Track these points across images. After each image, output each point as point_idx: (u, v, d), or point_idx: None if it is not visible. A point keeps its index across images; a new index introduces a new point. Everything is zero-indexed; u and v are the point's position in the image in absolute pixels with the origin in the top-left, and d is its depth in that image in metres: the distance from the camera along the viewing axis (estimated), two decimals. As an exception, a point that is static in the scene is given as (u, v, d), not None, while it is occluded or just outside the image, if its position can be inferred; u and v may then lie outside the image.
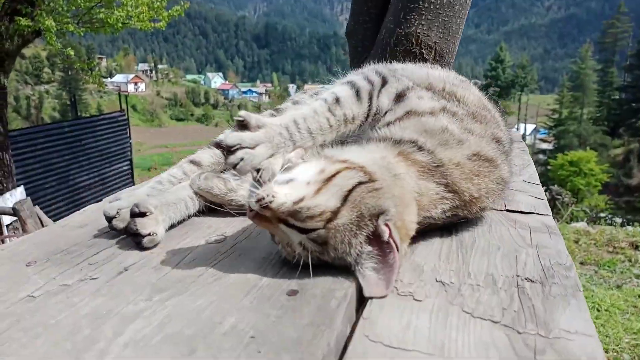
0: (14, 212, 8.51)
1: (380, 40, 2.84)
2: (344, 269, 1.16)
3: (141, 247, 1.35)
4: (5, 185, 11.73)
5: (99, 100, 79.26)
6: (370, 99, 1.34)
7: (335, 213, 1.10)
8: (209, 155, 1.75)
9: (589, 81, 60.72)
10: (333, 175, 1.13)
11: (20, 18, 10.32)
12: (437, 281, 1.12)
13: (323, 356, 0.87)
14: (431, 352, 0.87)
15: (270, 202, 1.11)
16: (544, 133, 64.23)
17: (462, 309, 1.00)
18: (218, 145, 1.77)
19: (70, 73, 71.95)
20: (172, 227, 1.51)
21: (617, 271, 7.63)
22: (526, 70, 71.82)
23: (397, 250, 1.09)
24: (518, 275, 1.14)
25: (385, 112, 1.35)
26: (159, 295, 1.09)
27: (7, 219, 10.49)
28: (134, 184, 20.18)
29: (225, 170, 1.63)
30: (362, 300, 1.09)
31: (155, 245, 1.37)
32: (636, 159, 46.53)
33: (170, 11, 12.40)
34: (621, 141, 53.09)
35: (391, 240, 1.10)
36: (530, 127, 64.93)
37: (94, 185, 17.43)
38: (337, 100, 1.29)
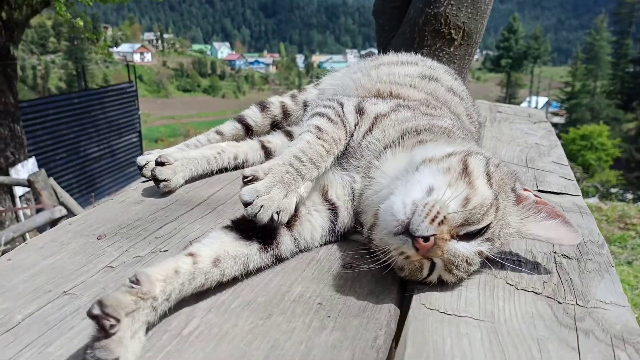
0: (29, 183, 8.68)
1: (408, 19, 2.89)
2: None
3: (160, 190, 1.66)
4: (17, 156, 11.83)
5: (105, 70, 78.94)
6: (341, 119, 1.44)
7: (496, 198, 1.13)
8: (231, 127, 2.06)
9: (603, 53, 59.64)
10: (465, 167, 1.15)
11: (30, -13, 10.24)
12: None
13: (387, 321, 0.98)
14: (482, 318, 0.98)
15: (446, 212, 1.05)
16: (556, 106, 63.56)
17: (507, 282, 1.11)
18: (240, 119, 2.07)
19: (76, 43, 71.56)
20: (194, 179, 1.77)
21: (627, 247, 7.72)
22: (539, 42, 70.67)
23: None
24: (555, 252, 1.24)
25: (355, 128, 1.45)
26: (228, 267, 1.20)
27: (19, 190, 10.66)
28: (142, 156, 20.34)
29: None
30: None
31: (170, 191, 1.67)
32: (649, 133, 46.09)
33: None
34: (634, 115, 52.45)
35: (538, 199, 1.20)
36: (542, 101, 64.22)
37: (103, 156, 17.55)
38: (319, 128, 1.36)
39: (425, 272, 1.08)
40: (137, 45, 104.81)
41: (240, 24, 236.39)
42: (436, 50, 2.77)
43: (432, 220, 1.03)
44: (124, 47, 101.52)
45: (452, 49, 2.77)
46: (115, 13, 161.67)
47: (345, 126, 1.42)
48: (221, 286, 1.11)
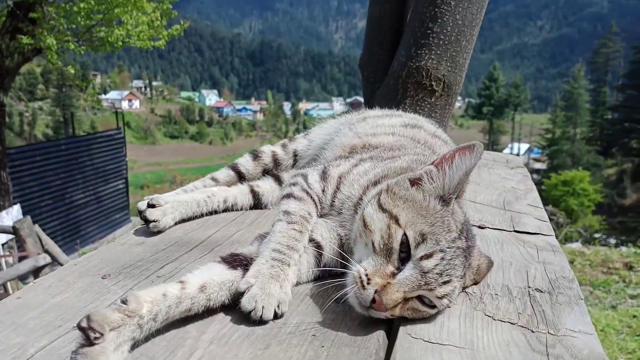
0: (14, 230, 8.62)
1: (392, 72, 3.08)
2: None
3: (150, 230, 1.77)
4: (2, 203, 11.74)
5: (92, 117, 79.38)
6: (307, 192, 1.55)
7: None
8: (225, 174, 2.21)
9: (581, 101, 61.64)
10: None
11: (22, 36, 10.39)
12: (462, 291, 1.32)
13: (376, 349, 1.07)
14: (463, 346, 1.08)
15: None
16: (538, 153, 64.96)
17: (485, 314, 1.21)
18: (234, 167, 2.23)
19: (64, 90, 72.15)
20: (185, 220, 1.90)
21: (611, 292, 7.81)
22: (519, 90, 72.88)
23: None
24: (529, 287, 1.35)
25: (322, 193, 1.58)
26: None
27: (1, 238, 10.52)
28: (129, 202, 20.28)
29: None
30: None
31: (158, 231, 1.78)
32: (629, 179, 47.07)
33: (170, 30, 12.36)
34: (614, 161, 53.74)
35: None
36: (524, 147, 65.65)
37: (89, 203, 17.46)
38: (287, 212, 1.46)
39: (423, 308, 1.20)
40: (126, 93, 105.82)
41: (229, 72, 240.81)
42: (418, 101, 2.96)
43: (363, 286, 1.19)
44: (113, 94, 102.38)
45: (433, 100, 2.96)
46: (104, 61, 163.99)
47: (312, 197, 1.54)
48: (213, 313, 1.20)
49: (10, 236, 9.97)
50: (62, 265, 9.18)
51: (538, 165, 58.66)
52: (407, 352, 1.05)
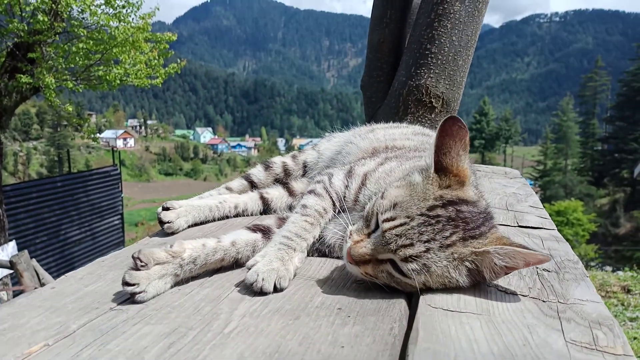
0: (11, 265, 8.57)
1: (393, 91, 3.23)
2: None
3: (165, 231, 1.91)
4: (-2, 239, 11.70)
5: (87, 156, 79.58)
6: (327, 191, 1.68)
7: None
8: (239, 184, 2.37)
9: (571, 133, 62.59)
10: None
11: (21, 75, 10.55)
12: (474, 272, 1.40)
13: (399, 317, 1.15)
14: (480, 313, 1.15)
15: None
16: (530, 184, 65.41)
17: (497, 289, 1.29)
18: (247, 177, 2.40)
19: (59, 129, 72.53)
20: (197, 224, 2.02)
21: (610, 315, 7.82)
22: (509, 123, 74.06)
23: None
24: (537, 267, 1.43)
25: (345, 190, 1.68)
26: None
27: (-1, 273, 10.43)
28: (124, 239, 20.20)
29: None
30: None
31: (172, 233, 1.91)
32: (622, 209, 47.39)
33: (167, 68, 12.63)
34: (606, 191, 54.19)
35: None
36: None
37: (84, 239, 17.36)
38: (305, 206, 1.61)
39: (396, 274, 1.28)
40: (121, 131, 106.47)
41: (223, 110, 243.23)
42: (419, 117, 3.10)
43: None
44: (107, 133, 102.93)
45: (433, 116, 3.10)
46: (100, 101, 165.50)
47: (331, 195, 1.66)
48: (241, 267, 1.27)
49: (6, 272, 9.91)
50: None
51: (531, 197, 58.82)
52: (429, 318, 1.13)
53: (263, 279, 1.32)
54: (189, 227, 1.99)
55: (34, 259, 9.07)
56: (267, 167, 2.36)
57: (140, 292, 1.28)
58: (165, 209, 1.95)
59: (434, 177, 1.32)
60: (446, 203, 1.28)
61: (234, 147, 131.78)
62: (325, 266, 1.52)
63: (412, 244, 1.24)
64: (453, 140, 1.31)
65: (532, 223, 1.93)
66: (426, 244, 1.24)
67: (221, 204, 2.09)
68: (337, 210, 1.63)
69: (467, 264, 1.25)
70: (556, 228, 1.88)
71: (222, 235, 1.57)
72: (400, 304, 1.22)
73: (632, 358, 0.96)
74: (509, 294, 1.26)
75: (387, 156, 1.77)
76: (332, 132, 2.53)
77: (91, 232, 17.75)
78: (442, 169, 1.33)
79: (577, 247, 28.72)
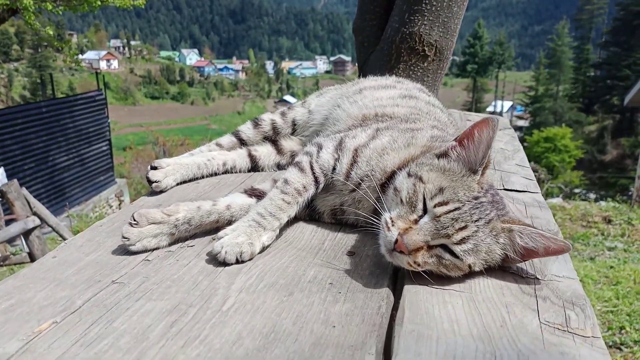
0: (1, 194, 8.61)
1: (386, 37, 3.16)
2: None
3: (153, 190, 1.98)
4: (-16, 167, 11.65)
5: (70, 78, 77.43)
6: (312, 167, 1.65)
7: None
8: (229, 141, 2.38)
9: (565, 58, 61.71)
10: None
11: (-3, -4, 10.09)
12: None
13: (387, 294, 1.22)
14: (462, 290, 1.23)
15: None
16: (521, 110, 65.39)
17: (481, 263, 1.36)
18: (236, 134, 2.40)
19: (40, 50, 70.00)
20: (185, 182, 2.08)
21: (590, 244, 8.16)
22: (503, 48, 72.58)
23: None
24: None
25: (335, 164, 1.67)
26: (249, 257, 1.43)
27: (-14, 203, 10.46)
28: (113, 164, 20.20)
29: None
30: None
31: (161, 191, 1.98)
32: (610, 136, 47.88)
33: None
34: (595, 118, 54.41)
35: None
36: (507, 104, 65.91)
37: (73, 165, 17.32)
38: (286, 181, 1.60)
39: (447, 257, 1.30)
40: (104, 52, 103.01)
41: (209, 31, 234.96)
42: (411, 66, 3.06)
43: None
44: (90, 54, 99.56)
45: (425, 64, 3.06)
46: (80, 20, 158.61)
47: (314, 172, 1.65)
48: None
49: (-4, 201, 9.95)
50: (51, 227, 9.26)
51: (521, 123, 59.18)
52: (414, 295, 1.21)
53: (226, 252, 1.39)
54: (177, 184, 2.05)
55: (24, 188, 9.10)
56: (256, 125, 2.37)
57: (129, 245, 1.46)
58: (153, 167, 2.01)
59: (479, 172, 1.39)
60: (485, 190, 1.36)
61: (220, 69, 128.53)
62: (317, 235, 1.59)
63: (467, 227, 1.29)
64: (486, 143, 1.36)
65: (518, 186, 1.99)
66: (476, 223, 1.29)
67: (209, 161, 2.15)
68: (319, 187, 1.65)
69: (501, 239, 1.31)
70: (540, 191, 1.95)
71: (219, 198, 1.65)
72: (388, 279, 1.29)
73: (600, 340, 1.05)
74: (490, 269, 1.33)
75: (378, 127, 1.77)
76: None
77: (79, 158, 17.67)
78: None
79: (563, 174, 29.28)
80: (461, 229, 1.28)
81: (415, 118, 1.89)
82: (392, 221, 1.34)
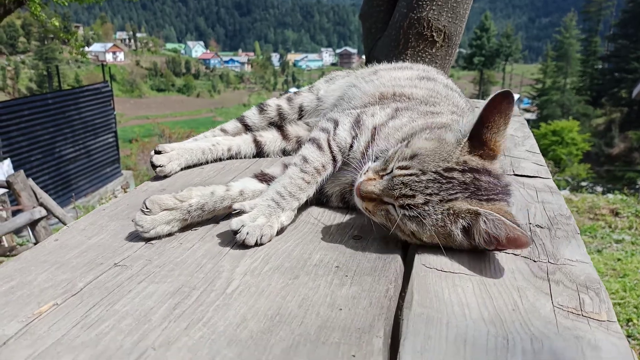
0: (8, 185, 8.63)
1: (393, 23, 3.11)
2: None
3: (157, 174, 1.94)
4: (-8, 158, 11.70)
5: (76, 70, 77.55)
6: (329, 144, 1.62)
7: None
8: (234, 126, 2.36)
9: (572, 51, 61.11)
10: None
11: (4, -13, 10.12)
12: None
13: (395, 277, 1.19)
14: (472, 274, 1.20)
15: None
16: (528, 103, 64.94)
17: (491, 247, 1.33)
18: (242, 119, 2.36)
19: (46, 42, 70.14)
20: (190, 167, 2.06)
21: (597, 237, 8.09)
22: (511, 40, 71.99)
23: None
24: (530, 223, 1.47)
25: (352, 141, 1.63)
26: (254, 240, 1.39)
27: (-5, 192, 10.50)
28: (119, 156, 20.24)
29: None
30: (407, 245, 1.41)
31: (165, 176, 1.96)
32: (617, 129, 47.45)
33: None
34: (603, 111, 53.90)
35: None
36: (514, 97, 65.34)
37: (79, 157, 17.36)
38: (305, 159, 1.56)
39: (392, 215, 1.33)
40: (109, 45, 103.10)
41: (215, 23, 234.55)
42: (420, 52, 3.01)
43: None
44: (96, 47, 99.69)
45: (434, 50, 3.01)
46: (86, 12, 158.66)
47: (332, 151, 1.62)
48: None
49: (3, 190, 9.99)
50: (58, 218, 9.29)
51: (528, 115, 58.65)
52: (423, 279, 1.17)
53: (247, 233, 1.37)
54: (181, 169, 2.02)
55: (30, 178, 9.13)
56: (262, 110, 2.33)
57: (143, 233, 1.42)
58: (157, 152, 1.97)
59: (465, 144, 1.32)
60: (467, 169, 1.29)
61: (226, 62, 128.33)
62: (323, 218, 1.55)
63: (413, 195, 1.28)
64: (499, 116, 1.32)
65: (528, 171, 1.95)
66: (427, 197, 1.27)
67: (214, 146, 2.11)
68: (336, 167, 1.62)
69: (462, 220, 1.26)
70: (551, 177, 1.90)
71: (230, 183, 1.62)
72: (396, 263, 1.26)
73: (615, 324, 1.01)
74: (501, 253, 1.30)
75: (398, 107, 1.71)
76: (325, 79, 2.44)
77: (86, 149, 17.72)
78: (480, 140, 1.33)
79: (570, 167, 29.10)
80: (407, 195, 1.29)
81: (434, 101, 1.83)
82: (367, 170, 1.42)
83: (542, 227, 1.44)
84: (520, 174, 1.93)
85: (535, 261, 1.26)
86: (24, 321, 1.04)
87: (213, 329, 1.00)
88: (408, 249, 1.37)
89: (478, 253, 1.30)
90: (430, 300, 1.08)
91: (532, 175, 1.91)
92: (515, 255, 1.29)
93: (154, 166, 1.94)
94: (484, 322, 1.01)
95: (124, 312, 1.07)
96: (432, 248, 1.30)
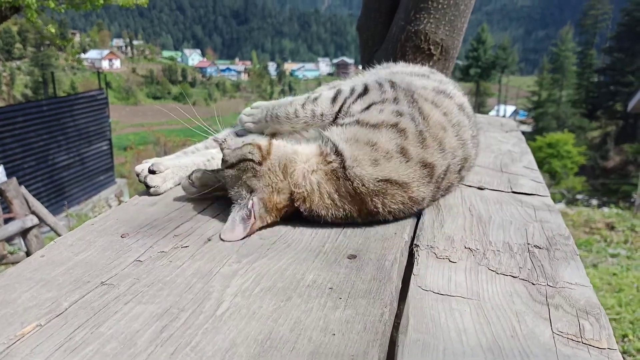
0: (0, 192, 8.55)
1: (391, 35, 3.10)
2: (389, 239, 1.44)
3: (150, 194, 1.91)
4: (-16, 165, 11.62)
5: (72, 77, 77.47)
6: (343, 104, 1.58)
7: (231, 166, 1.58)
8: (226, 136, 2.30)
9: (568, 63, 61.48)
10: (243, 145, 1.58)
11: (0, -6, 10.11)
12: (465, 248, 1.41)
13: (390, 301, 1.15)
14: (470, 297, 1.16)
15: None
16: (524, 115, 65.22)
17: (488, 268, 1.30)
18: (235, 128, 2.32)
19: (42, 49, 70.12)
20: None
21: (593, 251, 8.09)
22: (507, 52, 72.37)
23: (255, 218, 1.50)
24: (528, 244, 1.44)
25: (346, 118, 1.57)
26: (246, 259, 1.36)
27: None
28: (113, 164, 20.14)
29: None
30: (410, 262, 1.38)
31: (158, 195, 1.93)
32: (612, 142, 47.69)
33: None
34: (598, 123, 54.15)
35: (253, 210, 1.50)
36: (510, 109, 65.76)
37: (73, 165, 17.28)
38: (316, 99, 1.57)
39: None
40: (106, 52, 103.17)
41: (212, 31, 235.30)
42: (417, 65, 2.99)
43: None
44: (92, 54, 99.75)
45: (431, 64, 2.99)
46: (83, 19, 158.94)
47: (339, 111, 1.62)
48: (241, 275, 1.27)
49: (-6, 198, 9.89)
50: (49, 226, 9.20)
51: (524, 128, 58.91)
52: (419, 302, 1.14)
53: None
54: (176, 186, 1.97)
55: (22, 186, 9.04)
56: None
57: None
58: (152, 172, 1.92)
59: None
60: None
61: (223, 70, 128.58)
62: (316, 237, 1.52)
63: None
64: None
65: (526, 188, 1.93)
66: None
67: (209, 161, 2.06)
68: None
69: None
70: (549, 194, 1.88)
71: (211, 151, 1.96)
72: (392, 284, 1.22)
73: (616, 352, 0.98)
74: (499, 275, 1.27)
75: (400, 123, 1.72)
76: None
77: (80, 157, 17.65)
78: None
79: (565, 180, 29.18)
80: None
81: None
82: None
83: (540, 248, 1.42)
84: (518, 191, 1.91)
85: (534, 284, 1.23)
86: (5, 343, 1.00)
87: (201, 354, 0.96)
88: (404, 270, 1.34)
89: (475, 273, 1.27)
90: (426, 325, 1.05)
91: (530, 193, 1.89)
92: (514, 277, 1.26)
93: (147, 186, 1.90)
94: (481, 349, 0.97)
95: (109, 335, 1.03)
96: (433, 270, 1.27)
